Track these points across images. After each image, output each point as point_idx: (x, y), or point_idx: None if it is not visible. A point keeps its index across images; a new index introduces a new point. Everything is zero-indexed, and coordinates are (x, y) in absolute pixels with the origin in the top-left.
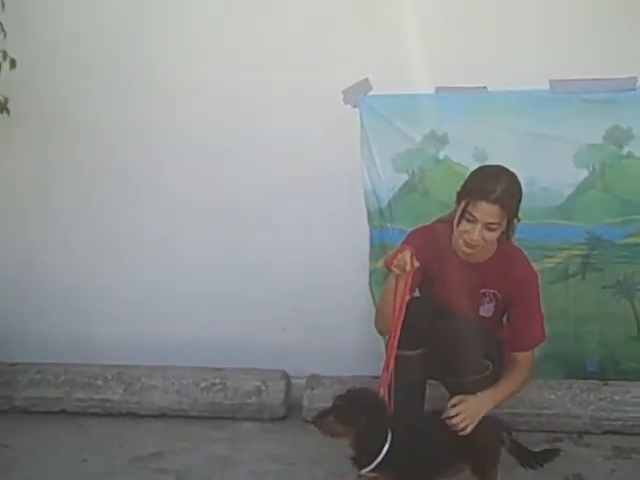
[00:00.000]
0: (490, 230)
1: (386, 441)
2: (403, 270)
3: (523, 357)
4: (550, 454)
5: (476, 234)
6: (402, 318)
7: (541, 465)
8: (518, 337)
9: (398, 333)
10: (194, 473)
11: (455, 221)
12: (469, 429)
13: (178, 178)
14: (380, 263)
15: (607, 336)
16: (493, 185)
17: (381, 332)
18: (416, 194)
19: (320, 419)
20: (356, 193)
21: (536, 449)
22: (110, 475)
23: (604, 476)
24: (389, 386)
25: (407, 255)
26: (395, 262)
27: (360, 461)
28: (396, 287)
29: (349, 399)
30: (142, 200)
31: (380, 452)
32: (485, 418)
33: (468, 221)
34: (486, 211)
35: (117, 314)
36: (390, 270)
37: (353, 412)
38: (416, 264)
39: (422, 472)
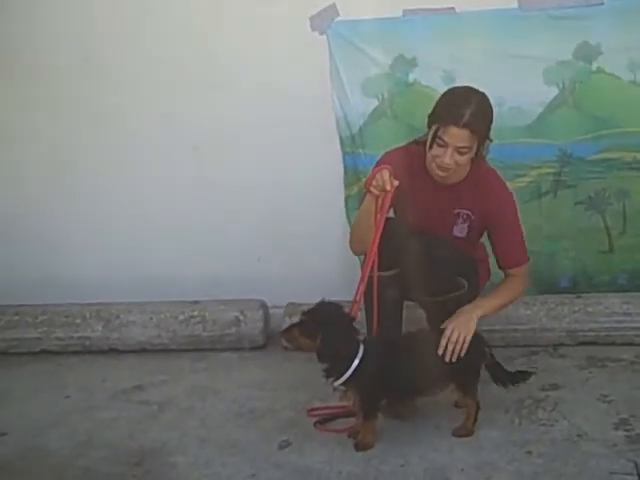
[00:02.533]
0: (461, 154)
1: (356, 356)
2: (382, 190)
3: (515, 271)
4: (523, 376)
5: (447, 158)
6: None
7: (513, 385)
8: (504, 255)
9: (375, 252)
10: (176, 403)
11: (427, 145)
12: (467, 342)
13: (149, 113)
14: (354, 189)
15: (579, 251)
16: (462, 109)
17: (356, 252)
18: (386, 119)
19: (286, 332)
20: (328, 120)
21: (510, 369)
22: (94, 409)
23: (579, 384)
24: (370, 306)
25: (386, 174)
26: (374, 182)
27: (329, 373)
28: (375, 207)
29: (312, 313)
30: (111, 135)
31: (349, 366)
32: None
33: (439, 145)
34: (456, 136)
35: (92, 252)
36: (369, 191)
37: (313, 324)
38: (395, 183)
39: (396, 390)
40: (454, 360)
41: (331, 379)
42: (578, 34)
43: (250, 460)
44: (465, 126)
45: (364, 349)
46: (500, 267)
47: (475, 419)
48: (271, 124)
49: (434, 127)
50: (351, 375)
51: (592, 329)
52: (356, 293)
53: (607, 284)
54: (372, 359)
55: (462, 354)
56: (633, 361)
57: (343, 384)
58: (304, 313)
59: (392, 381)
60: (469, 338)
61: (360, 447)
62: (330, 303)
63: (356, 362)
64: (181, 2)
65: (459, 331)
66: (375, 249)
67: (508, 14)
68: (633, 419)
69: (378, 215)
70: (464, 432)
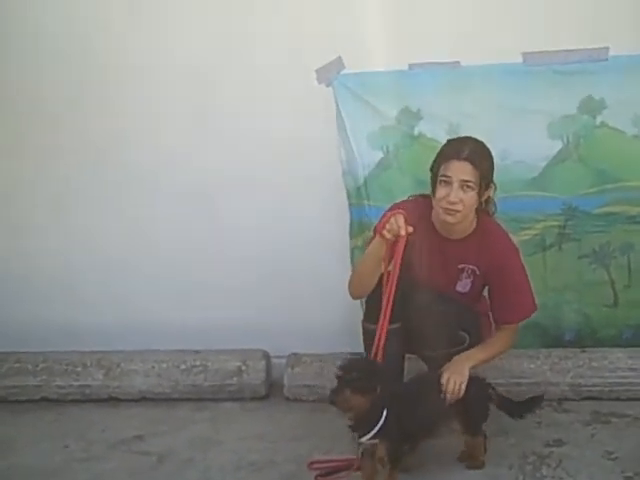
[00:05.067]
0: (465, 191)
1: (384, 407)
2: (396, 234)
3: (509, 327)
4: (535, 401)
5: (453, 195)
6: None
7: (529, 412)
8: (505, 310)
9: (390, 305)
10: (177, 454)
11: (432, 192)
12: (463, 389)
13: (153, 158)
14: (359, 241)
15: (584, 305)
16: (461, 146)
17: (356, 296)
18: (391, 171)
19: (337, 396)
20: (335, 171)
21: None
22: (93, 460)
23: (584, 440)
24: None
25: (401, 219)
26: (387, 226)
27: (361, 429)
28: (387, 253)
29: (358, 370)
30: (117, 183)
31: (379, 419)
32: (471, 379)
33: (444, 184)
34: (458, 169)
35: (94, 300)
36: (381, 235)
37: (368, 381)
38: (409, 229)
39: (417, 435)
40: (452, 403)
41: (361, 434)
42: (582, 89)
43: None
44: (466, 159)
45: None
46: (494, 321)
47: (485, 450)
48: (276, 174)
49: (436, 168)
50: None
51: (596, 384)
52: (378, 342)
53: (612, 338)
54: (394, 408)
55: (462, 397)
56: (638, 417)
57: (371, 438)
58: (344, 371)
59: (411, 427)
60: (464, 385)
61: None
62: (364, 358)
63: (384, 413)
64: (187, 50)
65: (454, 379)
66: (392, 296)
67: (513, 69)
68: (638, 477)
69: (393, 261)
70: (477, 463)
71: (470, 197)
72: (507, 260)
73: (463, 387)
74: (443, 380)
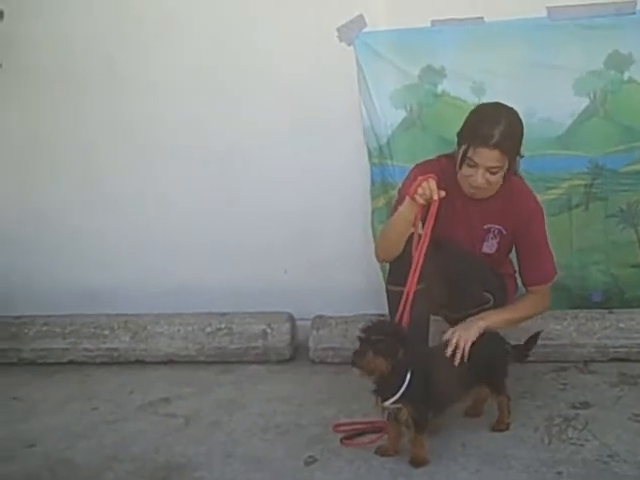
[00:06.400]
0: (493, 174)
1: (407, 371)
2: (429, 199)
3: (536, 289)
4: (534, 339)
5: (479, 179)
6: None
7: (530, 351)
8: (528, 272)
9: (419, 268)
10: (203, 417)
11: (457, 165)
12: (467, 348)
13: (175, 122)
14: (381, 201)
15: (611, 265)
16: (492, 129)
17: (383, 260)
18: (415, 130)
19: (359, 358)
20: (356, 131)
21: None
22: (121, 421)
23: (610, 402)
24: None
25: (433, 184)
26: (420, 191)
27: (385, 393)
28: (417, 217)
29: (381, 332)
30: (141, 146)
31: (403, 383)
32: (489, 336)
33: (469, 166)
34: (486, 157)
35: (120, 263)
36: (413, 199)
37: (391, 344)
38: (442, 194)
39: (440, 398)
40: (458, 363)
41: (382, 398)
42: (609, 43)
43: (276, 477)
44: (495, 147)
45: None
46: (523, 284)
47: (509, 412)
48: (297, 135)
49: (463, 147)
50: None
51: (624, 345)
52: (404, 306)
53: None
54: (418, 372)
55: (485, 356)
56: None
57: (395, 402)
58: (368, 333)
59: (436, 391)
60: (469, 344)
61: (416, 463)
62: (387, 321)
63: (408, 377)
64: (210, 13)
65: (459, 335)
66: (421, 260)
67: (537, 23)
68: None
69: (426, 225)
70: (503, 426)
71: (496, 178)
72: (533, 220)
73: (468, 345)
74: (447, 335)
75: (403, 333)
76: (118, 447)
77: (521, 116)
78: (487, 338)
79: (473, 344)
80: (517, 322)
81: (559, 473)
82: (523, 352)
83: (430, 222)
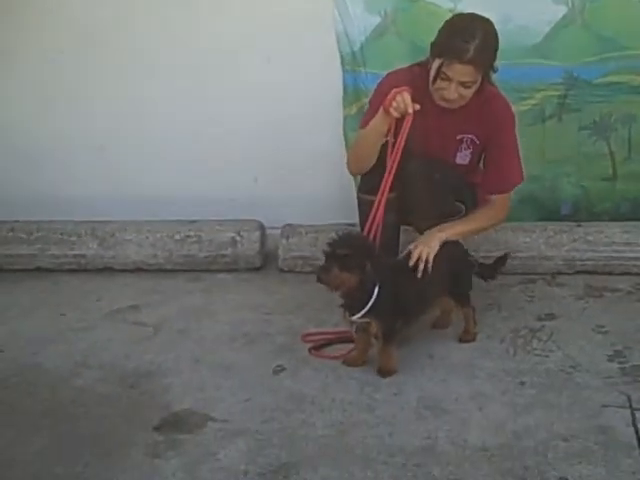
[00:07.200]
0: (466, 87)
1: (375, 285)
2: (404, 112)
3: (497, 198)
4: (502, 260)
5: (452, 92)
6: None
7: (498, 272)
8: (494, 179)
9: (392, 176)
10: (171, 325)
11: (430, 78)
12: (430, 260)
13: (148, 26)
14: (354, 109)
15: (582, 177)
16: (466, 43)
17: (355, 172)
18: (389, 36)
19: (325, 273)
20: (328, 36)
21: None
22: (89, 328)
23: (575, 314)
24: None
25: (407, 97)
26: (394, 104)
27: (353, 307)
28: (390, 130)
29: (347, 246)
30: (114, 56)
31: (371, 297)
32: (452, 249)
33: (442, 79)
34: (460, 71)
35: (88, 170)
36: (388, 112)
37: (357, 259)
38: (416, 107)
39: (407, 310)
40: (422, 275)
41: (349, 313)
42: None
43: (244, 384)
44: (469, 62)
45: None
46: (484, 192)
47: (475, 323)
48: (267, 40)
49: (437, 61)
50: (371, 305)
51: (591, 258)
52: (375, 213)
53: (609, 212)
54: (386, 285)
55: (450, 267)
56: (630, 291)
57: (363, 316)
58: (333, 247)
59: (404, 303)
60: (432, 256)
61: (384, 373)
62: (354, 233)
63: (376, 291)
64: None
65: (421, 248)
66: (393, 173)
67: None
68: (627, 351)
69: (399, 138)
70: (469, 337)
71: (469, 92)
72: (504, 128)
73: (431, 257)
74: (411, 248)
75: (370, 246)
76: (87, 354)
77: (498, 24)
78: (450, 250)
79: (436, 256)
80: (475, 233)
81: (522, 383)
82: (491, 272)
83: (403, 135)
